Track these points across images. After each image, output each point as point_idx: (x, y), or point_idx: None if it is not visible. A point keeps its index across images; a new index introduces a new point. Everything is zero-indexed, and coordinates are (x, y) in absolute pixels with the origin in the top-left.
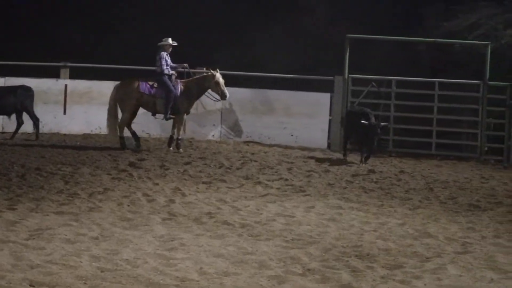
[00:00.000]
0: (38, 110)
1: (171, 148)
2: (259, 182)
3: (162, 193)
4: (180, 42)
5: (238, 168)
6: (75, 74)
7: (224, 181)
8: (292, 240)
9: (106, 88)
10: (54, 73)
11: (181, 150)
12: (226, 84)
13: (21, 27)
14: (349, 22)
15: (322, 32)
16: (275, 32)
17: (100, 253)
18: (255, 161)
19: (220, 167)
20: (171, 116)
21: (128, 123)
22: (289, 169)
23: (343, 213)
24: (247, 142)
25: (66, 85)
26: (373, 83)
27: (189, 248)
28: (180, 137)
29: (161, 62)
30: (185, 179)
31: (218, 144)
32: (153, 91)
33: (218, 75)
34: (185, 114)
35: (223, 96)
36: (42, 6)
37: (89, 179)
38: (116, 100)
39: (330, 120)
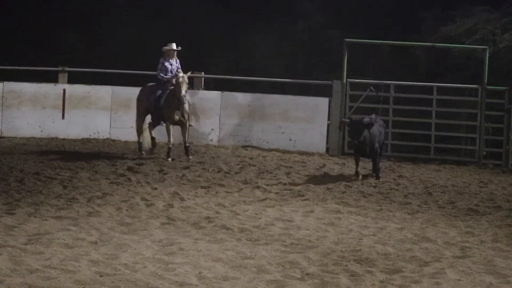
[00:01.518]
0: (36, 114)
1: (190, 157)
2: (258, 187)
3: (160, 198)
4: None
5: (236, 173)
6: (74, 79)
7: (223, 185)
8: (291, 244)
9: (105, 92)
10: (52, 78)
11: (170, 159)
12: (223, 88)
13: (19, 32)
14: (347, 26)
15: (319, 36)
16: (271, 36)
17: (99, 258)
18: (254, 165)
19: (218, 172)
20: (157, 124)
21: (147, 128)
22: (288, 173)
23: (342, 218)
24: (245, 147)
25: (64, 90)
26: (371, 87)
27: (188, 253)
28: (170, 146)
29: (157, 67)
30: (184, 184)
31: (216, 148)
32: (151, 98)
33: (181, 76)
34: (170, 123)
35: (178, 97)
36: (41, 11)
37: (88, 184)
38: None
39: (328, 125)
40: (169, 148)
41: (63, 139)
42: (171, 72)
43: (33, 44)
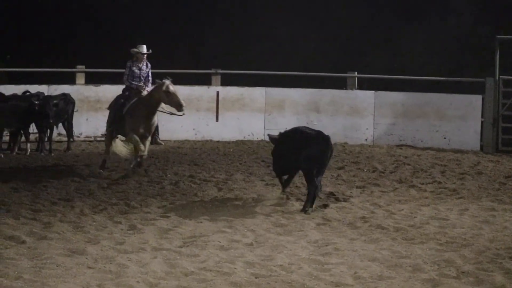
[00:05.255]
0: (191, 117)
1: (144, 168)
2: (413, 186)
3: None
4: (329, 46)
5: (391, 172)
6: (226, 81)
7: (378, 185)
8: (446, 243)
9: (258, 94)
10: (205, 80)
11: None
12: (377, 88)
13: (175, 35)
14: (499, 22)
15: (471, 33)
16: (423, 35)
17: (254, 259)
18: (409, 164)
19: (373, 171)
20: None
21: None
22: (442, 172)
23: (497, 215)
24: (400, 146)
25: (217, 92)
26: None
27: (343, 253)
28: (139, 159)
29: (125, 71)
30: (339, 184)
31: (371, 148)
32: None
33: (168, 83)
34: (134, 135)
35: (178, 107)
36: (194, 13)
37: (243, 186)
38: None
39: (482, 122)
40: (141, 157)
41: (218, 141)
42: (140, 78)
43: (186, 46)
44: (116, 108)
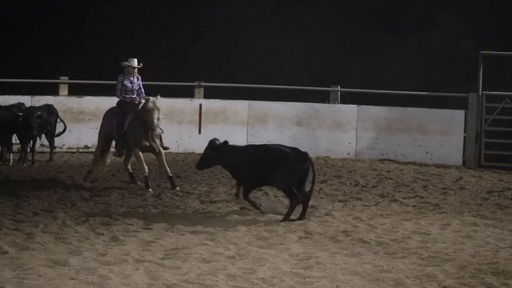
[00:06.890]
0: (173, 129)
1: (178, 188)
2: (395, 200)
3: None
4: (313, 59)
5: (373, 186)
6: (210, 94)
7: (360, 199)
8: (428, 257)
9: (241, 107)
10: (188, 93)
11: (150, 190)
12: (360, 102)
13: (158, 47)
14: (483, 38)
15: (454, 48)
16: (407, 49)
17: (236, 272)
18: (391, 179)
19: (355, 185)
20: (120, 151)
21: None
22: (425, 186)
23: (479, 230)
24: (382, 160)
25: (200, 105)
26: (507, 99)
27: (325, 267)
28: (146, 174)
29: (116, 86)
30: (321, 198)
31: (353, 162)
32: (113, 123)
33: (152, 100)
34: (138, 149)
35: (150, 125)
36: (177, 26)
37: (225, 199)
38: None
39: (464, 137)
40: (145, 177)
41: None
42: (133, 91)
43: (169, 59)
44: (117, 125)
